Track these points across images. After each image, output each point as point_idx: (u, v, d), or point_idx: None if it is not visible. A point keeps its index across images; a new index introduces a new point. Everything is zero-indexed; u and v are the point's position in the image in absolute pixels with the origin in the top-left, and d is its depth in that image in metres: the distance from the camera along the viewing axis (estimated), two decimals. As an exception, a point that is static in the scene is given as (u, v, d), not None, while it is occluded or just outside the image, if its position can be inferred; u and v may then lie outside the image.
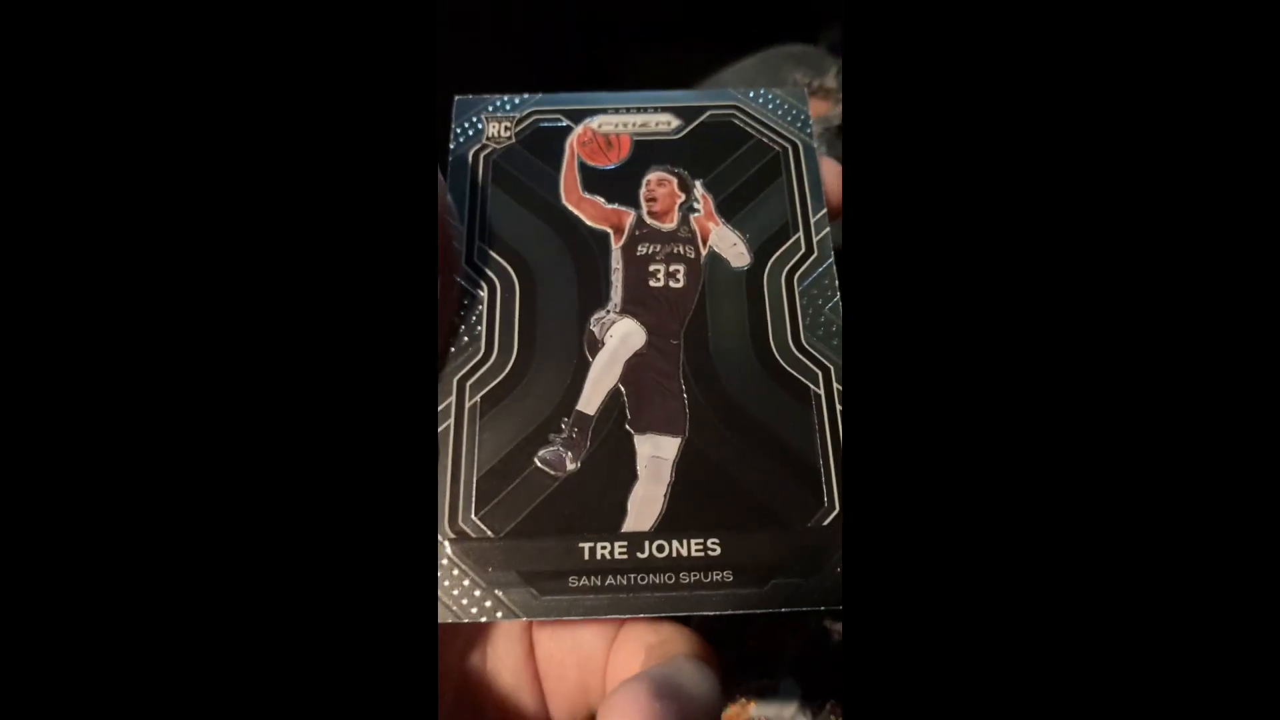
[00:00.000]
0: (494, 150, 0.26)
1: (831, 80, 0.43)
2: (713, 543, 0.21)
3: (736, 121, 0.26)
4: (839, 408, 0.22)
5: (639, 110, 0.26)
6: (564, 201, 0.25)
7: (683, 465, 0.22)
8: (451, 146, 0.26)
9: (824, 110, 0.43)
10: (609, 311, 0.23)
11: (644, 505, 0.21)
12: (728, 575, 0.21)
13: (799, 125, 0.26)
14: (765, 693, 0.28)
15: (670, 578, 0.20)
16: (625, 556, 0.21)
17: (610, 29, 0.48)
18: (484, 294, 0.23)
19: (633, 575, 0.20)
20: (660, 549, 0.21)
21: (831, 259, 0.24)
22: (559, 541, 0.21)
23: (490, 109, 0.26)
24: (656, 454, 0.22)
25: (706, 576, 0.20)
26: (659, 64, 0.47)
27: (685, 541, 0.21)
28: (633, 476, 0.21)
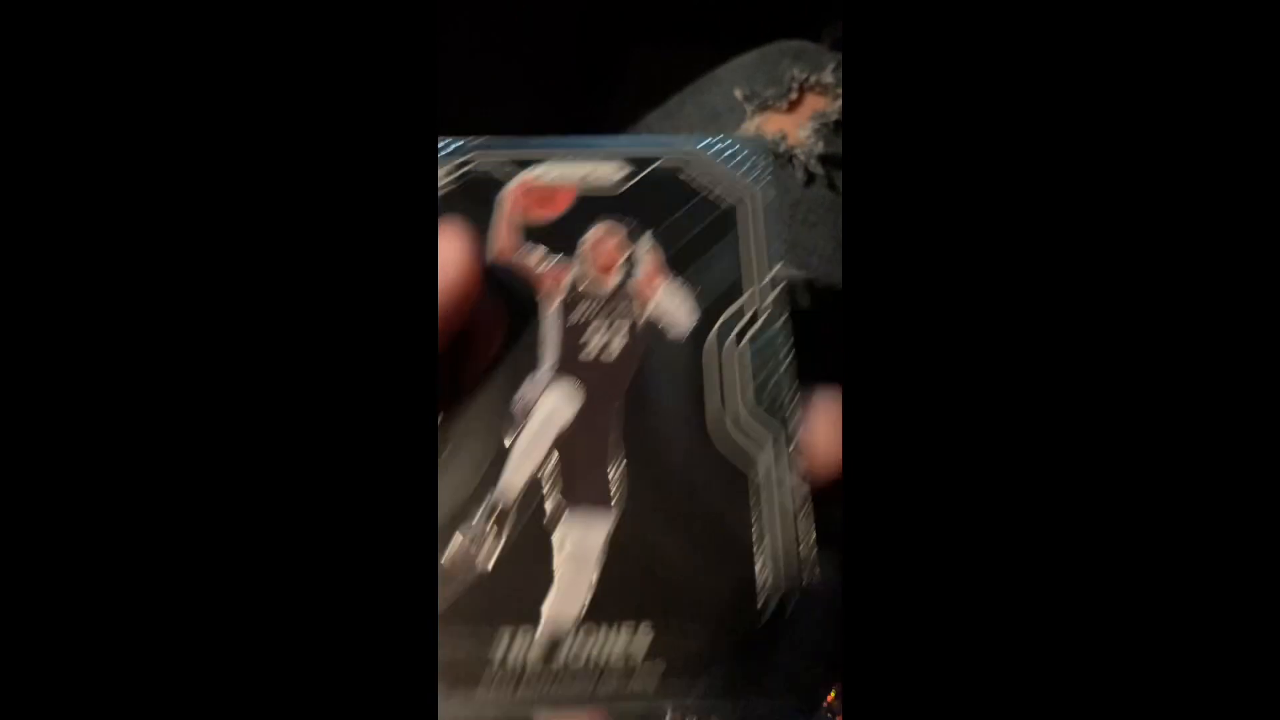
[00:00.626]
0: None
1: (829, 75, 0.43)
2: (644, 626, 0.20)
3: (683, 176, 0.24)
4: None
5: (585, 158, 0.25)
6: (495, 258, 0.23)
7: (614, 545, 0.20)
8: None
9: (821, 106, 0.42)
10: (535, 380, 0.22)
11: (569, 590, 0.20)
12: (659, 664, 0.19)
13: (753, 176, 0.24)
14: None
15: (594, 667, 0.19)
16: (543, 654, 0.19)
17: (611, 28, 0.47)
18: None
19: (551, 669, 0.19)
20: (589, 631, 0.19)
21: (785, 316, 0.22)
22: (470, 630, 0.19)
23: None
24: (585, 533, 0.20)
25: (634, 667, 0.19)
26: (659, 63, 0.46)
27: (615, 626, 0.19)
28: (551, 569, 0.20)
